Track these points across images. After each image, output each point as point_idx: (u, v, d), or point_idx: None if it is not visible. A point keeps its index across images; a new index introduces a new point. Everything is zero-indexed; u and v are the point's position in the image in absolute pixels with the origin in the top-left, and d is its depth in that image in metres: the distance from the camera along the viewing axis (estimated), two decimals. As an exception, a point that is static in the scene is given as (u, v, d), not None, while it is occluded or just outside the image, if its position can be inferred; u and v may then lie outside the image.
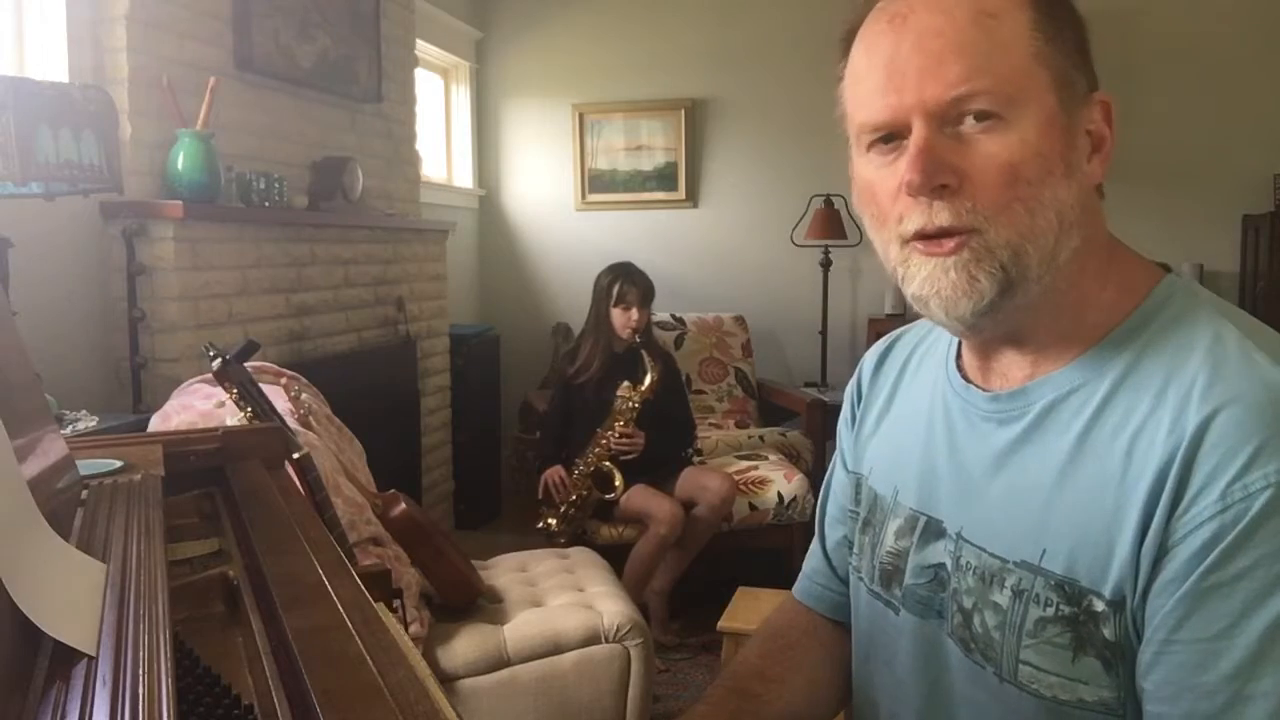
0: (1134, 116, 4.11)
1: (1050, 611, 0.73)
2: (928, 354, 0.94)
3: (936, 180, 0.72)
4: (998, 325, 0.78)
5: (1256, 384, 0.68)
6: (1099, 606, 0.71)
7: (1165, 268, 0.81)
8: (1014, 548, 0.77)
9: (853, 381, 1.03)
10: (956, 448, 0.84)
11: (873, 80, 0.75)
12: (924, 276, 0.75)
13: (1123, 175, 4.06)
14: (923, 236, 0.74)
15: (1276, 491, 0.64)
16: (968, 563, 0.80)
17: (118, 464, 0.96)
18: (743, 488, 3.26)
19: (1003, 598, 0.77)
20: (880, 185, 0.76)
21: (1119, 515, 0.70)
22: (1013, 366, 0.81)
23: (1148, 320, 0.76)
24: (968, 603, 0.80)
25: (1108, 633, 0.71)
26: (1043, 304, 0.76)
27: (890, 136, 0.75)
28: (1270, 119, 4.05)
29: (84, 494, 0.83)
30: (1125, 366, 0.74)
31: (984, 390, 0.83)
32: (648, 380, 3.09)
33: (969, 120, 0.72)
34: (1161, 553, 0.68)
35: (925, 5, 0.73)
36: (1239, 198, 4.08)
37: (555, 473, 3.17)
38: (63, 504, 0.74)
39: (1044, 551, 0.74)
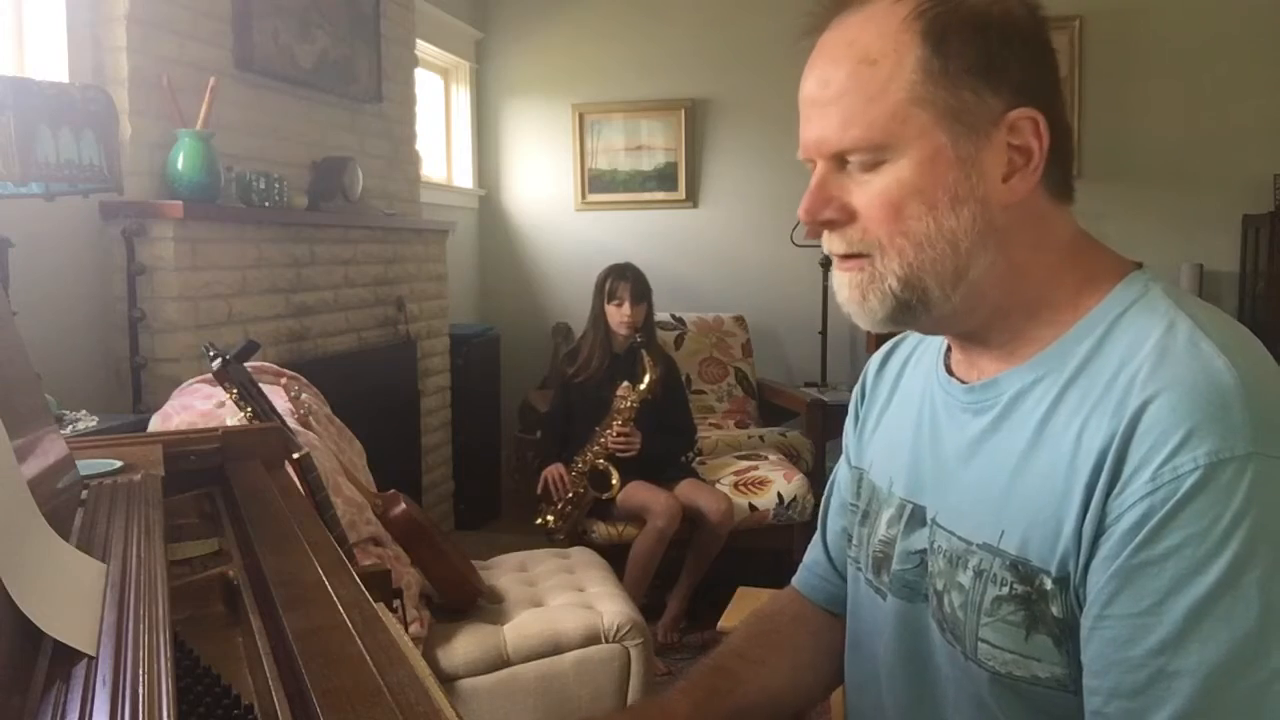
0: (1135, 117, 4.11)
1: (1006, 590, 0.76)
2: (925, 352, 0.97)
3: (820, 218, 0.81)
4: (937, 330, 0.86)
5: (1196, 370, 0.70)
6: (1048, 585, 0.74)
7: (1138, 265, 0.83)
8: (977, 530, 0.80)
9: (859, 381, 1.07)
10: (939, 437, 0.88)
11: (800, 112, 0.83)
12: (836, 288, 0.85)
13: (1123, 175, 4.09)
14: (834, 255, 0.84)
15: (1205, 473, 0.66)
16: (939, 546, 0.84)
17: (118, 464, 0.96)
18: (743, 488, 3.27)
19: (966, 578, 0.80)
20: None
21: (1066, 497, 0.73)
22: (986, 360, 0.85)
23: (1109, 313, 0.78)
24: (939, 584, 0.83)
25: (1056, 610, 0.74)
26: (989, 308, 0.81)
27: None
28: (1270, 119, 4.04)
29: (84, 494, 0.83)
30: (1084, 357, 0.77)
31: (964, 383, 0.87)
32: (646, 380, 3.11)
33: (853, 164, 0.79)
34: (1099, 531, 0.71)
35: (822, 51, 0.81)
36: (1239, 198, 4.07)
37: (555, 470, 3.19)
38: (63, 504, 0.74)
39: (1002, 533, 0.78)
